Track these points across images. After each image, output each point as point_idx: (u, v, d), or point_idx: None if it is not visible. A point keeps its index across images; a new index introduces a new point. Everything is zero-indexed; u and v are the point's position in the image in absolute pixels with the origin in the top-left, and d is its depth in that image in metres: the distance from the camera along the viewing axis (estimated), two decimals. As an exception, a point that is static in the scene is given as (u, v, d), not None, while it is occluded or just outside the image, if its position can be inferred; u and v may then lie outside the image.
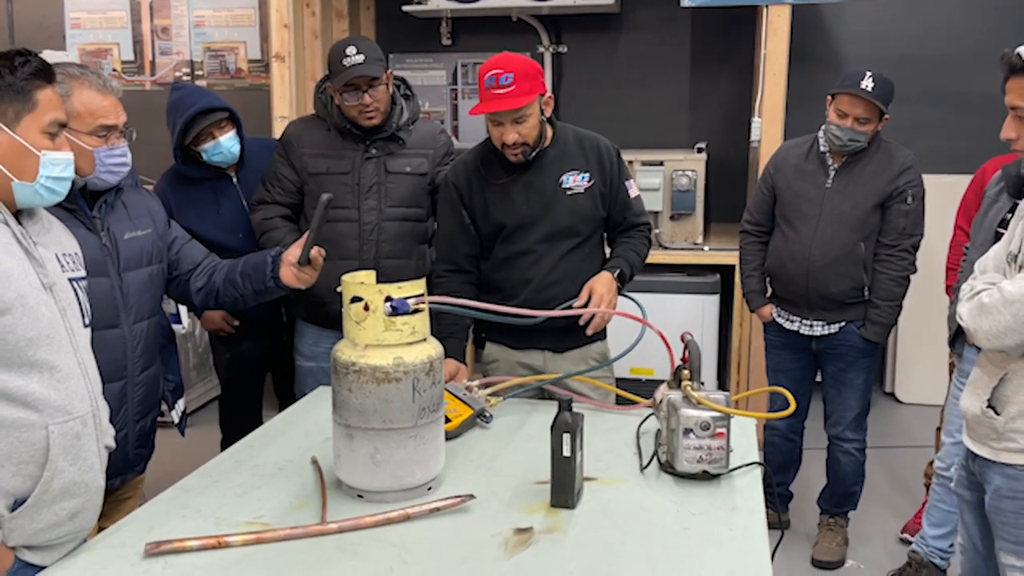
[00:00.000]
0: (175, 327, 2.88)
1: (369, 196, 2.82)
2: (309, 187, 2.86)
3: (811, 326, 3.08)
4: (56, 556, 1.63)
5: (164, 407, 2.76)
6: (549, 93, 2.50)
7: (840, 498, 3.25)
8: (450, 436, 2.07)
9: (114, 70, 5.26)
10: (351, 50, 2.69)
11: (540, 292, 2.53)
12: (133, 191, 2.26)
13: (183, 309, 2.95)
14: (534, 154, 2.49)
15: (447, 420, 2.02)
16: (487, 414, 2.26)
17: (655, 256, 4.14)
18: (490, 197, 2.57)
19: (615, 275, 2.52)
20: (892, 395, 4.86)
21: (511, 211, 2.55)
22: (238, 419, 3.12)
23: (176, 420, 2.80)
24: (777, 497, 3.38)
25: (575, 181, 2.54)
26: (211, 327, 3.21)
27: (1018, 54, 1.81)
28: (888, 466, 4.02)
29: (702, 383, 2.00)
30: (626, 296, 2.57)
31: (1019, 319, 1.76)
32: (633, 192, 2.65)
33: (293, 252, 2.17)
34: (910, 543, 3.14)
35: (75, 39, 5.26)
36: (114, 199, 2.14)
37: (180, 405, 2.79)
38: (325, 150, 2.85)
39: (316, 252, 2.16)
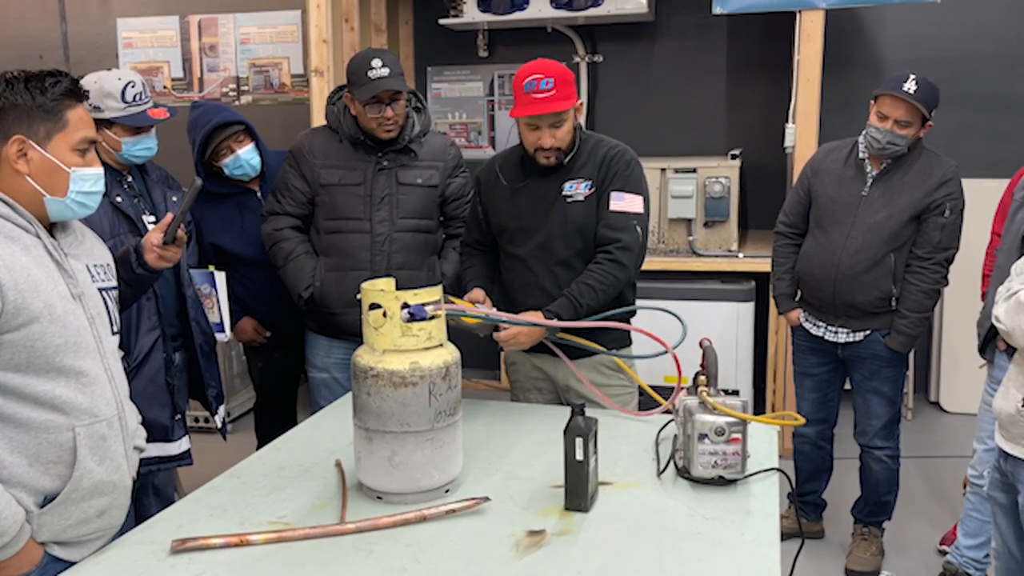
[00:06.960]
0: (218, 335, 2.94)
1: (381, 207, 2.83)
2: (320, 198, 2.86)
3: (836, 333, 3.05)
4: (85, 552, 1.70)
5: (207, 413, 2.88)
6: (581, 100, 2.52)
7: (873, 507, 3.19)
8: (461, 328, 2.32)
9: (164, 87, 5.45)
10: (376, 62, 2.69)
11: (528, 300, 2.52)
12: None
13: (227, 318, 3.00)
14: (565, 160, 2.50)
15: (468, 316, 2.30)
16: (500, 328, 2.41)
17: (689, 263, 4.16)
18: (500, 198, 2.61)
19: (548, 318, 2.39)
20: (937, 404, 4.78)
21: (514, 215, 2.58)
22: (273, 426, 3.17)
23: (219, 425, 2.91)
24: (808, 505, 3.37)
25: (576, 189, 2.51)
26: (243, 338, 3.29)
27: None
28: (929, 476, 3.95)
29: (720, 390, 2.01)
30: (665, 311, 2.48)
31: None
32: (619, 205, 2.48)
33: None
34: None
35: (127, 58, 5.46)
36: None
37: (222, 411, 2.89)
38: (337, 161, 2.85)
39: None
